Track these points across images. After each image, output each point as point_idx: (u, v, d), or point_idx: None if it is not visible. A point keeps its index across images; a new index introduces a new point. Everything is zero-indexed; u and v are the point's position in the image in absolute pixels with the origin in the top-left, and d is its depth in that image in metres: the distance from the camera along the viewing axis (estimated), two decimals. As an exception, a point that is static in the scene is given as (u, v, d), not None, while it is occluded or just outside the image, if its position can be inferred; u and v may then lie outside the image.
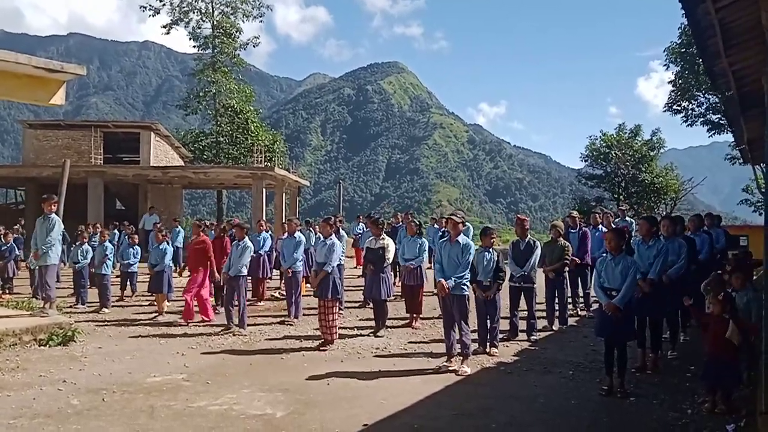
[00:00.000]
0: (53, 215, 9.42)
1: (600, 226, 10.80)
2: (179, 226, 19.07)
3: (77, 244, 12.09)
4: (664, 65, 30.30)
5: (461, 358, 7.00)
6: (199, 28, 39.07)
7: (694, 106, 30.30)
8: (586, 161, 36.13)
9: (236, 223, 10.58)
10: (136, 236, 13.07)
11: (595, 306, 10.31)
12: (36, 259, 9.50)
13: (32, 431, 4.89)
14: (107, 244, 11.96)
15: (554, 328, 9.40)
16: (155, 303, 11.03)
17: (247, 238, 9.76)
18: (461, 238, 7.07)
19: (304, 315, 10.39)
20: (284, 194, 28.51)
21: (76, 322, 9.05)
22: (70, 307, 11.33)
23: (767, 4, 4.53)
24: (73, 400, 5.73)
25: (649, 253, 6.97)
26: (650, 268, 6.87)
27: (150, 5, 37.78)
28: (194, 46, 39.73)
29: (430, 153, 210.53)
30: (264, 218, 21.32)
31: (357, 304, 11.70)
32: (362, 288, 11.36)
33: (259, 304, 12.10)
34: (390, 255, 9.69)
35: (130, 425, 5.06)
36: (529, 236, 8.86)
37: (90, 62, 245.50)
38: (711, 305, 5.69)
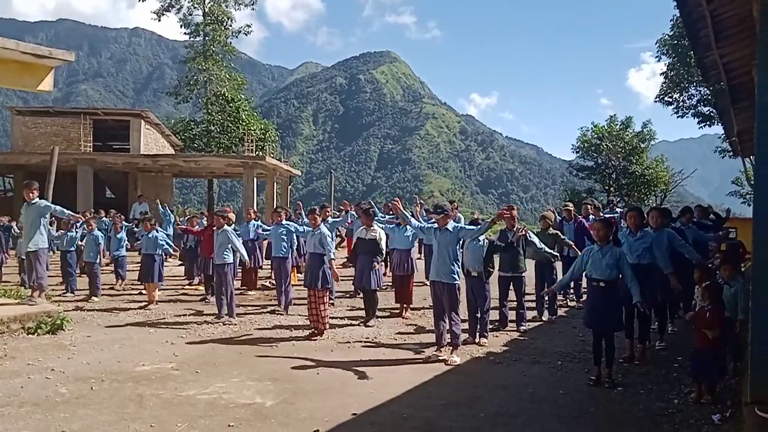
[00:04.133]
0: (37, 200, 9.32)
1: (591, 217, 10.86)
2: (171, 213, 18.96)
3: (63, 231, 12.01)
4: (656, 57, 30.40)
5: (451, 347, 7.02)
6: (191, 15, 38.80)
7: (685, 98, 30.42)
8: (577, 153, 36.29)
9: (216, 211, 10.50)
10: (121, 224, 12.98)
11: (584, 297, 10.38)
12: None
13: (20, 419, 4.86)
14: (96, 232, 11.87)
15: (543, 318, 9.45)
16: (145, 292, 10.99)
17: (226, 225, 9.65)
18: (450, 225, 7.08)
19: (294, 304, 10.37)
20: (275, 183, 28.45)
21: (65, 310, 9.00)
22: (60, 295, 11.27)
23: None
24: (61, 389, 5.71)
25: (638, 244, 7.00)
26: (637, 259, 6.87)
27: (141, -9, 37.47)
28: (185, 33, 39.45)
29: (422, 143, 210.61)
30: (255, 207, 21.30)
31: (347, 294, 11.71)
32: (352, 278, 11.36)
33: (249, 293, 12.08)
34: (383, 245, 9.66)
35: (118, 414, 5.04)
36: (517, 225, 8.86)
37: (80, 48, 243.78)
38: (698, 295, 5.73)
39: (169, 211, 17.37)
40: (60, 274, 12.26)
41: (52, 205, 9.49)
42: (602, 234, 6.15)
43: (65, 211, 9.74)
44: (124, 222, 13.37)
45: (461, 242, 7.15)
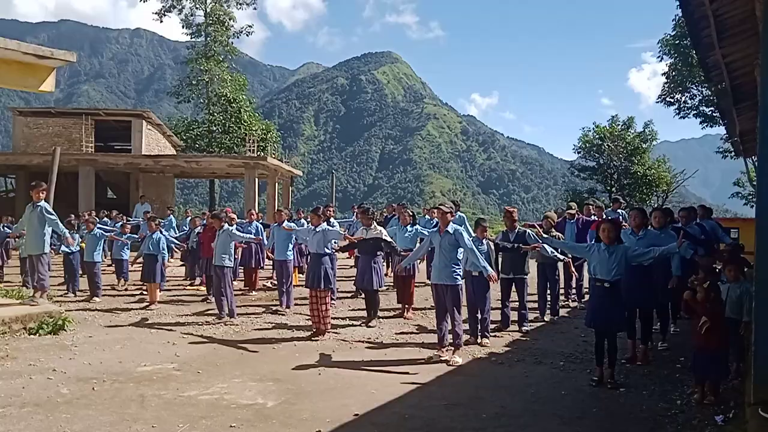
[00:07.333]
0: (42, 203, 9.32)
1: (593, 217, 10.83)
2: (172, 215, 19.02)
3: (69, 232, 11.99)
4: (658, 57, 30.38)
5: (453, 348, 7.01)
6: (192, 15, 38.83)
7: (687, 98, 30.39)
8: (579, 153, 36.21)
9: (212, 213, 10.54)
10: (129, 226, 13.00)
11: (586, 297, 10.36)
12: (15, 240, 9.37)
13: (21, 420, 4.86)
14: (96, 231, 11.85)
15: (546, 319, 9.43)
16: (146, 292, 10.98)
17: (226, 225, 9.68)
18: (450, 227, 7.07)
19: (295, 305, 10.37)
20: (277, 184, 28.44)
21: (66, 310, 9.00)
22: (62, 295, 11.26)
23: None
24: (62, 389, 5.70)
25: (640, 243, 6.98)
26: (639, 258, 6.86)
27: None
28: (187, 34, 39.49)
29: (424, 144, 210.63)
30: (256, 208, 21.31)
31: (349, 295, 11.70)
32: (354, 278, 11.35)
33: (251, 293, 12.07)
34: (389, 239, 9.57)
35: (120, 414, 5.04)
36: (518, 227, 8.83)
37: (81, 49, 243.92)
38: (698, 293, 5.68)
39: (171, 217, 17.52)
40: (62, 275, 12.25)
41: (54, 216, 9.34)
42: (612, 235, 6.12)
43: (60, 225, 9.48)
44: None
45: (468, 239, 7.16)
